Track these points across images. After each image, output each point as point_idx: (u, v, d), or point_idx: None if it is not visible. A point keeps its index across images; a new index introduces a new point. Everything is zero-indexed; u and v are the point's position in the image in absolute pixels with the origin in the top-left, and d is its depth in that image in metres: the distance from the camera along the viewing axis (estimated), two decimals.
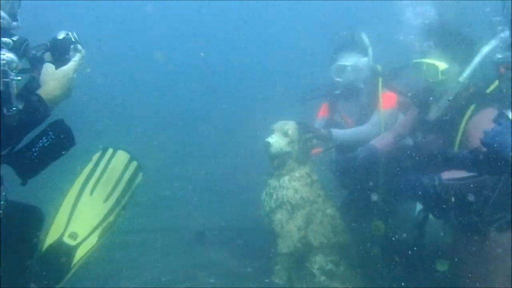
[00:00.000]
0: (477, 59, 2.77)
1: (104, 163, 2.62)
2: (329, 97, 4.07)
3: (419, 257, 3.20)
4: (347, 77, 3.78)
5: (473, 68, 2.79)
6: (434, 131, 3.05)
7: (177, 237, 4.61)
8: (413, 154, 3.25)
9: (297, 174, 3.38)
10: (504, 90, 2.77)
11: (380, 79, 3.80)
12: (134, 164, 2.69)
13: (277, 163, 3.37)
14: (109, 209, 2.46)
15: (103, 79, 8.90)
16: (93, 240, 2.41)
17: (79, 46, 2.11)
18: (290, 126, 3.39)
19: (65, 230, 2.37)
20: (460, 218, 2.81)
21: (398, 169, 3.54)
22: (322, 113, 4.17)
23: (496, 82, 2.80)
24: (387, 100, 3.76)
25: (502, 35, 2.73)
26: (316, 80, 4.34)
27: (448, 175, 2.64)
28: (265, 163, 3.61)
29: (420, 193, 2.68)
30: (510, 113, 1.98)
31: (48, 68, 2.02)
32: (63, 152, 1.99)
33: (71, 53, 2.10)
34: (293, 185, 3.35)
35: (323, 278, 3.31)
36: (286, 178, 3.37)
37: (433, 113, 3.04)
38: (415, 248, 3.19)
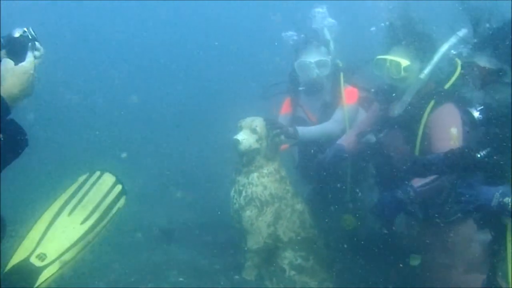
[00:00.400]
0: (437, 57, 2.88)
1: (89, 185, 2.55)
2: (292, 93, 4.08)
3: (389, 252, 3.31)
4: (312, 74, 3.80)
5: (433, 65, 2.89)
6: (396, 127, 3.13)
7: (142, 235, 4.51)
8: (376, 152, 3.34)
9: (265, 170, 3.39)
10: (458, 84, 2.90)
11: (342, 74, 3.85)
12: (119, 187, 2.63)
13: (246, 160, 3.37)
14: (85, 231, 2.37)
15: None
16: (61, 262, 2.31)
17: (37, 44, 1.98)
18: (258, 122, 3.38)
19: (34, 250, 2.25)
20: (426, 213, 2.94)
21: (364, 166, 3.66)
22: (285, 109, 4.18)
23: (454, 78, 2.92)
24: (349, 95, 3.83)
25: (461, 32, 2.85)
26: (279, 75, 4.33)
27: (417, 182, 2.72)
28: (233, 159, 3.60)
29: (398, 208, 2.76)
30: (475, 112, 2.04)
31: (7, 64, 1.89)
32: (16, 154, 1.88)
33: (29, 51, 1.97)
34: (262, 181, 3.36)
35: (292, 273, 3.36)
36: (255, 174, 3.37)
37: (396, 109, 3.12)
38: (383, 243, 3.30)
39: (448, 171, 2.09)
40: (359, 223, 3.72)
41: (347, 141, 3.49)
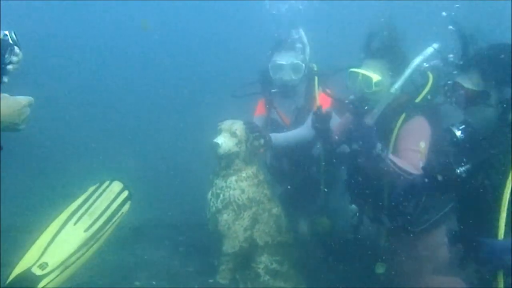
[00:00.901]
0: (408, 71, 2.91)
1: (98, 194, 2.50)
2: (266, 94, 4.04)
3: (357, 259, 3.37)
4: (285, 76, 3.76)
5: (404, 80, 2.93)
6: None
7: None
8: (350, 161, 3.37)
9: (244, 174, 3.36)
10: (429, 97, 2.98)
11: (316, 79, 3.84)
12: (125, 193, 2.62)
13: (225, 163, 3.32)
14: (87, 238, 2.32)
15: None
16: (61, 270, 2.26)
17: (16, 49, 1.85)
18: (238, 126, 3.34)
19: (38, 259, 2.22)
20: (394, 221, 3.00)
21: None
22: (259, 110, 4.13)
23: (425, 92, 2.98)
24: (323, 100, 3.81)
25: (432, 47, 2.91)
26: (251, 75, 4.28)
27: (394, 157, 2.76)
28: (211, 161, 3.55)
29: (369, 151, 2.76)
30: (457, 131, 2.09)
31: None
32: None
33: (7, 55, 1.82)
34: (240, 185, 3.33)
35: (267, 277, 3.36)
36: (233, 178, 3.33)
37: (368, 121, 3.16)
38: (351, 249, 3.35)
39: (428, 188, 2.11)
40: (332, 227, 3.76)
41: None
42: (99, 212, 2.47)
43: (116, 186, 2.73)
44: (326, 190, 3.85)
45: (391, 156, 2.74)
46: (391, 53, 2.97)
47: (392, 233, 3.12)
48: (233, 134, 3.29)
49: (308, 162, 3.92)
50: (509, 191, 1.80)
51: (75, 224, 2.40)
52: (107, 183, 2.74)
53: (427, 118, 2.93)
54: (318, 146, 3.78)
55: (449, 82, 2.20)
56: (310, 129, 3.70)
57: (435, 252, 3.08)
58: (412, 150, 2.82)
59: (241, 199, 3.31)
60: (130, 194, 2.68)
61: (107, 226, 2.50)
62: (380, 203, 3.03)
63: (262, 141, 3.42)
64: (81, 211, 2.48)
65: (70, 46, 12.19)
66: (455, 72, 2.20)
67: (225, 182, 3.34)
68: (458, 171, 2.02)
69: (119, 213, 2.59)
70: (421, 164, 2.68)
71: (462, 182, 2.03)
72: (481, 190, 1.98)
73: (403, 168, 2.70)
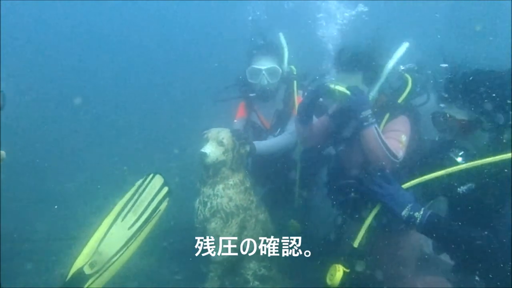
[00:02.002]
0: (382, 78, 3.01)
1: (142, 189, 2.48)
2: (246, 98, 4.07)
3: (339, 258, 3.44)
4: (262, 81, 3.78)
5: (379, 87, 3.03)
6: (355, 141, 3.19)
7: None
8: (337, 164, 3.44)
9: (231, 182, 3.38)
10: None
11: (295, 82, 3.88)
12: (165, 189, 2.61)
13: (212, 171, 3.34)
14: (131, 235, 2.32)
15: None
16: (106, 267, 2.29)
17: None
18: (224, 134, 3.35)
19: (90, 258, 2.26)
20: (377, 220, 3.09)
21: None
22: (240, 113, 4.16)
23: (405, 93, 3.08)
24: None
25: (400, 50, 3.02)
26: (229, 79, 4.29)
27: (380, 131, 2.86)
28: (197, 169, 3.56)
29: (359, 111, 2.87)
30: (458, 158, 2.14)
31: None
32: None
33: None
34: (227, 193, 3.35)
35: (256, 283, 3.41)
36: (220, 186, 3.35)
37: (347, 131, 3.24)
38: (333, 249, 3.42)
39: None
40: (302, 228, 3.80)
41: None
42: (142, 209, 2.49)
43: (158, 181, 2.78)
44: (302, 192, 3.92)
45: (379, 129, 2.84)
46: (362, 66, 3.00)
47: (374, 233, 3.20)
48: (220, 143, 3.30)
49: (288, 165, 3.97)
50: None
51: (122, 220, 2.42)
52: (150, 176, 2.77)
53: (409, 118, 3.04)
54: (297, 150, 3.85)
55: (438, 115, 2.25)
56: (290, 135, 3.77)
57: (414, 252, 3.19)
58: (394, 139, 2.91)
59: (229, 206, 3.34)
60: (169, 190, 2.76)
61: (147, 224, 2.50)
62: (363, 203, 3.10)
63: (247, 148, 3.46)
64: (128, 207, 2.48)
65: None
66: (442, 105, 2.24)
67: (213, 190, 3.35)
68: (460, 190, 2.12)
69: (158, 211, 2.57)
70: (401, 153, 2.83)
71: (461, 197, 2.11)
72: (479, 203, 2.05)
73: (386, 143, 2.80)
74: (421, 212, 2.02)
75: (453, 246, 1.94)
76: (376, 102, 3.10)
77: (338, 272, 2.33)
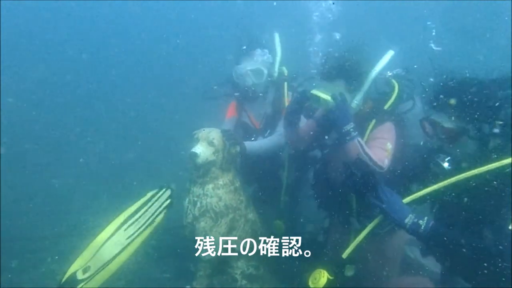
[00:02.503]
0: (366, 85, 3.01)
1: (153, 201, 2.43)
2: (233, 96, 4.09)
3: (327, 261, 3.49)
4: (247, 81, 3.81)
5: (364, 93, 3.02)
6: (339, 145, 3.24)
7: (77, 239, 4.31)
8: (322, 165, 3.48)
9: (221, 182, 3.40)
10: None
11: (286, 84, 3.89)
12: (168, 202, 2.54)
13: (202, 171, 3.35)
14: (126, 245, 2.29)
15: None
16: (99, 272, 2.27)
17: None
18: (215, 135, 3.37)
19: (87, 263, 2.23)
20: (362, 223, 3.11)
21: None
22: (230, 113, 4.17)
23: (392, 99, 3.09)
24: None
25: (385, 58, 3.03)
26: (217, 77, 4.30)
27: (363, 143, 2.87)
28: (186, 168, 3.57)
29: (342, 126, 2.89)
30: (444, 163, 2.20)
31: None
32: None
33: None
34: (217, 193, 3.37)
35: (244, 282, 3.45)
36: (210, 186, 3.37)
37: (332, 138, 3.29)
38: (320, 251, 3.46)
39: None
40: (287, 228, 3.84)
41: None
42: (144, 220, 2.45)
43: (166, 194, 2.79)
44: (289, 192, 3.95)
45: (362, 142, 2.86)
46: (345, 73, 3.00)
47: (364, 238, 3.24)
48: (210, 143, 3.32)
49: (276, 166, 4.00)
50: None
51: (125, 230, 2.39)
52: (163, 190, 2.77)
53: (395, 124, 3.06)
54: (285, 151, 3.88)
55: (426, 121, 2.29)
56: (280, 137, 3.80)
57: (400, 254, 3.25)
58: (379, 148, 2.94)
59: (218, 206, 3.36)
60: (171, 202, 2.76)
61: (140, 234, 2.47)
62: (348, 206, 3.14)
63: (238, 148, 3.48)
64: (135, 217, 2.45)
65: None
66: (431, 112, 2.26)
67: (202, 189, 3.37)
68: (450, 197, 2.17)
69: (153, 222, 2.53)
70: (386, 162, 2.85)
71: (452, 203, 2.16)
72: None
73: (371, 155, 2.82)
74: (425, 220, 2.06)
75: (454, 253, 1.98)
76: (363, 108, 3.12)
77: (322, 278, 2.37)
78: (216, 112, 4.31)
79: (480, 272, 1.89)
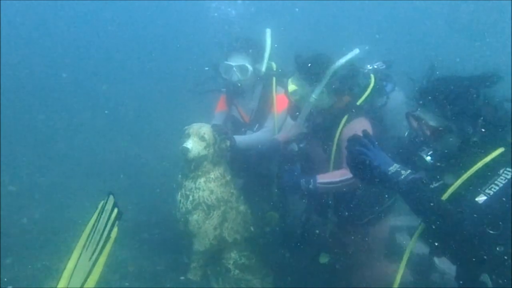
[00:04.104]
0: (324, 81, 3.01)
1: (103, 212, 2.31)
2: (224, 91, 4.14)
3: (304, 251, 3.62)
4: (233, 77, 3.86)
5: (322, 87, 3.02)
6: (316, 138, 3.31)
7: (71, 236, 4.35)
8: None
9: (212, 175, 3.49)
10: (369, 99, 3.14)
11: (274, 79, 3.96)
12: (115, 212, 2.40)
13: (194, 165, 3.43)
14: (90, 268, 2.20)
15: None
16: None
17: None
18: (206, 130, 3.45)
19: None
20: (338, 216, 3.23)
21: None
22: (220, 106, 4.23)
23: (365, 95, 3.13)
24: (280, 102, 3.94)
25: (348, 56, 3.04)
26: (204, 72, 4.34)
27: (323, 178, 2.97)
28: (178, 162, 3.64)
29: (296, 191, 3.02)
30: (427, 156, 2.27)
31: None
32: None
33: None
34: (208, 186, 3.46)
35: (237, 272, 3.56)
36: (202, 180, 3.45)
37: (300, 127, 3.39)
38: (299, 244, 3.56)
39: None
40: (279, 220, 3.94)
41: (282, 137, 3.67)
42: (98, 236, 2.33)
43: (111, 202, 2.50)
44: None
45: (320, 179, 2.94)
46: (303, 68, 3.09)
47: (339, 227, 3.31)
48: (201, 138, 3.39)
49: (265, 159, 4.09)
50: None
51: (87, 250, 2.28)
52: (111, 197, 2.48)
53: (370, 119, 3.08)
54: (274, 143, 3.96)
55: (411, 115, 2.32)
56: (268, 132, 3.90)
57: (384, 243, 3.33)
58: None
59: (210, 199, 3.45)
60: (119, 213, 2.44)
61: (100, 255, 2.32)
62: (325, 200, 3.21)
63: (228, 142, 3.57)
64: (92, 233, 2.31)
65: None
66: (417, 106, 2.29)
67: (194, 183, 3.45)
68: (432, 186, 2.23)
69: (109, 238, 2.38)
70: None
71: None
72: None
73: (337, 180, 2.92)
74: (408, 172, 2.04)
75: (426, 211, 1.99)
76: (337, 103, 3.15)
77: None
78: (205, 106, 4.37)
79: (453, 244, 1.97)
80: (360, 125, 2.97)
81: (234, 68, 3.81)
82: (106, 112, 7.86)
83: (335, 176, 2.96)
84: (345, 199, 3.12)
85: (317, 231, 3.55)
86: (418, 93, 2.27)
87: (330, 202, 3.21)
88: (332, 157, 3.09)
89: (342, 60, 3.01)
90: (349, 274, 3.31)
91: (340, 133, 3.04)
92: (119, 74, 11.66)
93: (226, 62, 3.85)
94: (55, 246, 3.98)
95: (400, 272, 2.14)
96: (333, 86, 3.04)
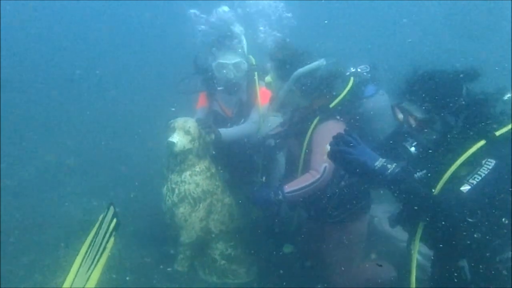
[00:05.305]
0: (290, 79, 3.10)
1: (102, 224, 2.31)
2: (210, 90, 4.17)
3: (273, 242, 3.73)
4: (229, 75, 3.92)
5: (288, 85, 3.12)
6: (292, 136, 3.37)
7: (56, 230, 4.38)
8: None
9: (197, 168, 3.55)
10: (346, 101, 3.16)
11: (256, 73, 4.04)
12: (114, 222, 2.40)
13: (179, 159, 3.48)
14: (87, 278, 2.21)
15: None
16: None
17: None
18: (191, 124, 3.49)
19: None
20: (308, 214, 3.34)
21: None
22: (201, 103, 4.28)
23: (340, 97, 3.16)
24: (263, 96, 4.03)
25: (312, 65, 3.08)
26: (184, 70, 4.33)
27: (290, 186, 3.05)
28: (162, 155, 3.69)
29: (268, 205, 3.13)
30: (411, 147, 2.37)
31: None
32: None
33: None
34: (194, 179, 3.52)
35: (223, 262, 3.65)
36: (188, 173, 3.51)
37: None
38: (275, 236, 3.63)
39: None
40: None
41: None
42: (97, 247, 2.31)
43: (111, 212, 2.48)
44: (263, 177, 4.12)
45: (287, 188, 3.02)
46: (275, 63, 3.21)
47: (312, 223, 3.39)
48: (187, 132, 3.44)
49: (250, 151, 4.16)
50: None
51: (86, 262, 2.28)
52: (111, 208, 2.50)
53: (345, 122, 3.14)
54: (258, 137, 4.04)
55: (397, 107, 2.40)
56: (253, 124, 3.97)
57: (362, 239, 3.36)
58: (318, 153, 3.02)
59: (196, 192, 3.51)
60: (118, 224, 2.43)
61: (96, 265, 2.32)
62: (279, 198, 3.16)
63: (213, 136, 3.63)
64: (92, 245, 2.31)
65: None
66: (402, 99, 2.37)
67: (180, 177, 3.51)
68: (416, 175, 2.30)
69: (105, 249, 2.36)
70: (323, 166, 2.96)
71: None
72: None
73: (303, 186, 3.00)
74: (393, 166, 2.09)
75: (415, 202, 2.05)
76: (312, 104, 3.21)
77: None
78: (185, 103, 4.40)
79: (436, 232, 2.06)
80: (330, 128, 3.02)
81: (231, 66, 3.86)
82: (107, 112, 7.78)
83: (301, 182, 3.03)
84: (314, 197, 3.14)
85: (284, 225, 3.58)
86: (404, 85, 2.34)
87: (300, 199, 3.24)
88: (302, 157, 3.15)
89: (304, 69, 3.07)
90: (329, 270, 3.34)
91: (311, 134, 3.10)
92: (110, 72, 11.59)
93: (220, 61, 3.87)
94: (46, 243, 4.00)
95: (412, 278, 2.18)
96: (303, 88, 3.12)
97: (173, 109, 4.11)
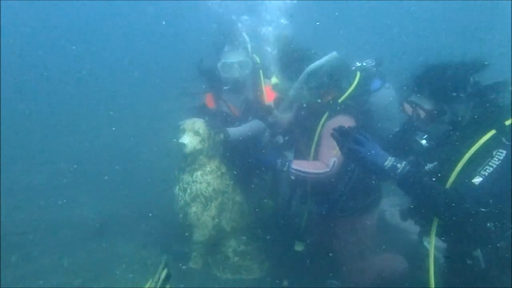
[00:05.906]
0: (302, 77, 3.09)
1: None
2: (216, 90, 4.20)
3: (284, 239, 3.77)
4: (234, 74, 3.95)
5: (299, 83, 3.10)
6: (300, 133, 3.44)
7: (72, 231, 4.48)
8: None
9: (208, 168, 3.62)
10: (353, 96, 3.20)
11: (261, 71, 4.08)
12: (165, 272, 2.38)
13: (190, 160, 3.55)
14: None
15: None
16: None
17: None
18: (200, 125, 3.56)
19: None
20: (320, 208, 3.37)
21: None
22: (209, 104, 4.29)
23: (348, 91, 3.21)
24: (269, 94, 4.06)
25: (323, 59, 3.10)
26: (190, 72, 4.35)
27: (298, 165, 3.09)
28: (174, 157, 3.76)
29: (268, 168, 3.24)
30: (422, 140, 2.42)
31: None
32: None
33: None
34: (205, 179, 3.59)
35: (236, 258, 3.73)
36: (199, 173, 3.59)
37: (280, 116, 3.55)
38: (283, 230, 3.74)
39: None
40: (273, 208, 4.08)
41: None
42: None
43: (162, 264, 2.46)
44: (272, 174, 4.18)
45: (294, 165, 3.07)
46: (282, 64, 3.21)
47: (319, 217, 3.44)
48: (196, 133, 3.51)
49: (258, 149, 4.21)
50: None
51: None
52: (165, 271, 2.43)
53: (354, 116, 3.14)
54: (266, 135, 4.10)
55: (406, 101, 2.43)
56: (260, 122, 4.02)
57: (373, 233, 3.41)
58: (327, 147, 3.07)
59: (208, 191, 3.59)
60: (169, 275, 2.40)
61: None
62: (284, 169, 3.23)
63: (222, 135, 3.69)
64: None
65: None
66: (411, 93, 2.41)
67: (191, 177, 3.58)
68: (427, 167, 2.36)
69: None
70: (332, 161, 3.02)
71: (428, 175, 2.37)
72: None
73: (309, 171, 3.05)
74: (403, 164, 2.15)
75: (428, 199, 2.10)
76: (322, 99, 3.22)
77: None
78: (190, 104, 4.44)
79: (450, 225, 2.10)
80: (340, 123, 2.94)
81: (236, 65, 3.89)
82: (111, 113, 7.83)
83: (310, 166, 3.09)
84: (325, 191, 3.22)
85: (296, 220, 3.69)
86: (413, 79, 2.37)
87: (308, 190, 3.30)
88: (312, 153, 3.19)
89: (318, 63, 3.06)
90: (340, 263, 3.39)
91: (320, 130, 3.13)
92: (117, 71, 11.67)
93: (226, 61, 3.91)
94: (64, 244, 4.10)
95: (431, 273, 2.22)
96: (313, 84, 3.11)
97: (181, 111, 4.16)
